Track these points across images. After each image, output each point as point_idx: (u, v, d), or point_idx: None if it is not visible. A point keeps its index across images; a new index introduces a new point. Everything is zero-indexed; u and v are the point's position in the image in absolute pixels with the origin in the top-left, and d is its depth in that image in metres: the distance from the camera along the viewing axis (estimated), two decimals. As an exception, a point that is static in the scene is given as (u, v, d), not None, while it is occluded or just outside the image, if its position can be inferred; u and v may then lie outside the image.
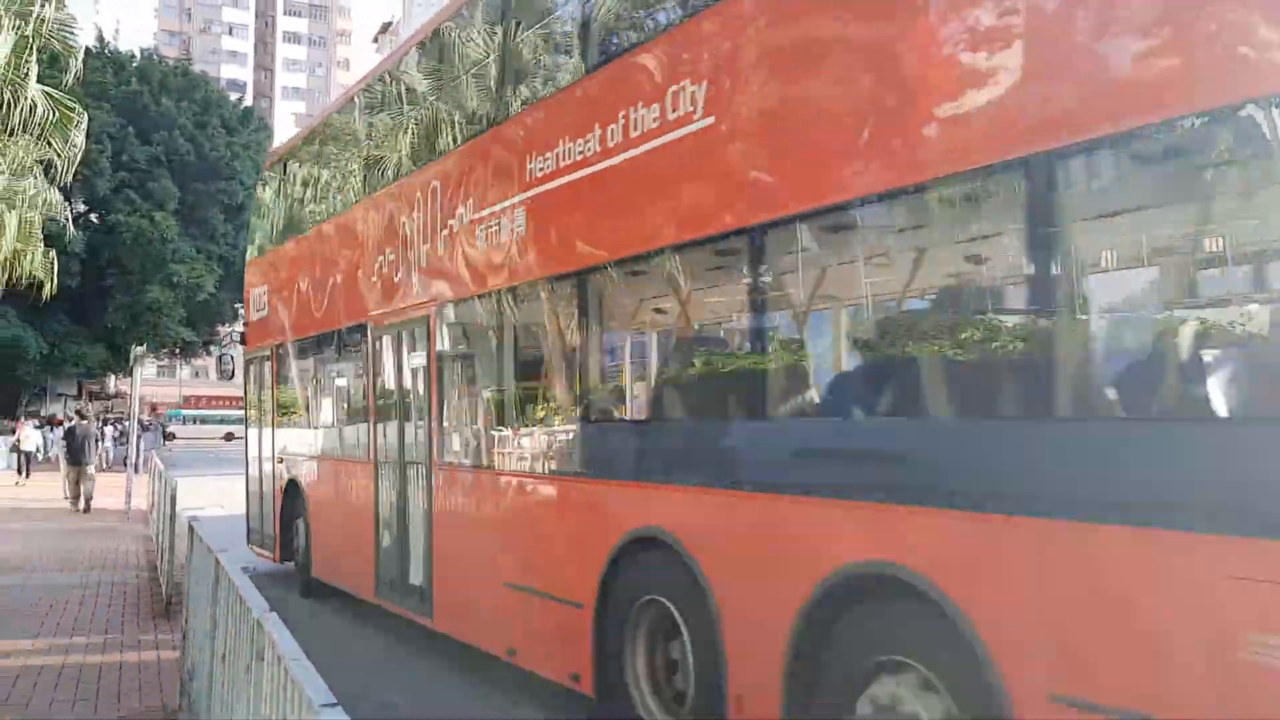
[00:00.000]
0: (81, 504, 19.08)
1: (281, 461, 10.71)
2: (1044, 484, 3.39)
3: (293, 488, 10.30)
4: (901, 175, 3.63)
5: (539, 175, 5.90)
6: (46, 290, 20.61)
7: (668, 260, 5.04)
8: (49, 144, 16.49)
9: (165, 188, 36.85)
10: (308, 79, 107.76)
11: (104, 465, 29.36)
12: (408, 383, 7.85)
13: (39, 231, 19.98)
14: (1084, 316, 3.39)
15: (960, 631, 3.56)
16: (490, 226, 6.52)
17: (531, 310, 6.24)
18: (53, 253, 20.96)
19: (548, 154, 5.85)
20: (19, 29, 14.77)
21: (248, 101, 50.54)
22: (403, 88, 8.18)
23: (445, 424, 7.24)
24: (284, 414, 10.76)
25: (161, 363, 59.44)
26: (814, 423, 4.17)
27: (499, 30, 6.36)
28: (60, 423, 34.99)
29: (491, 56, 6.49)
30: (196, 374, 70.82)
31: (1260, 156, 2.90)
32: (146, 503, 15.59)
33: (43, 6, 15.04)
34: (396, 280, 7.98)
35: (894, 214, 3.92)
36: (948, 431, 3.69)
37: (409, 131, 7.94)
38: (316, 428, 9.90)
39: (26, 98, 15.00)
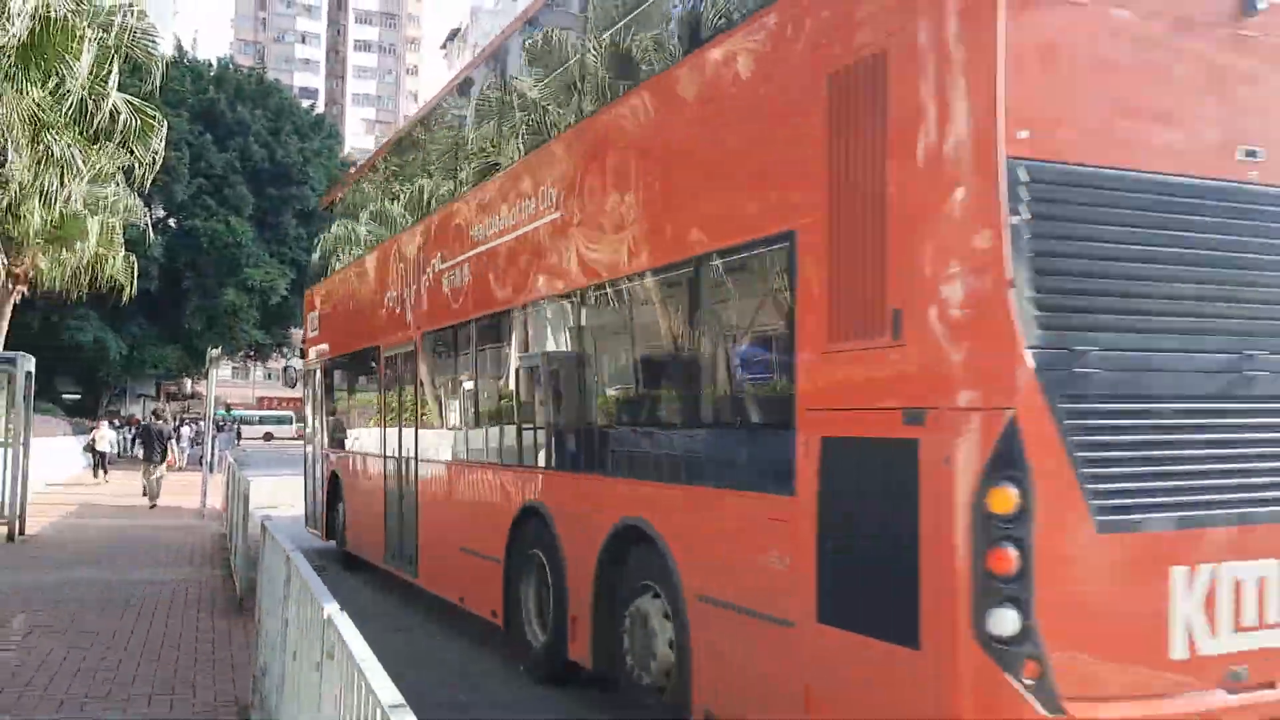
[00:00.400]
0: (150, 500, 19.50)
1: (327, 457, 13.24)
2: (689, 467, 5.47)
3: (334, 479, 12.72)
4: (639, 264, 5.89)
5: (474, 240, 8.35)
6: (127, 293, 20.81)
7: (537, 309, 7.41)
8: (130, 151, 16.79)
9: (240, 193, 37.04)
10: (377, 85, 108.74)
11: (181, 464, 29.42)
12: (403, 394, 10.12)
13: (120, 236, 20.12)
14: (692, 374, 5.53)
15: (667, 561, 5.43)
16: (449, 276, 8.83)
17: (469, 342, 8.57)
18: (133, 257, 21.13)
19: (477, 226, 8.33)
20: (101, 39, 14.93)
21: (319, 108, 51.20)
22: (387, 170, 11.38)
23: (420, 427, 9.65)
24: (329, 417, 13.24)
25: (235, 364, 59.87)
26: (602, 430, 6.36)
27: (453, 149, 9.34)
28: (138, 422, 35.61)
29: (443, 161, 9.55)
30: (269, 375, 71.29)
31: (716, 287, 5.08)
32: (221, 501, 15.88)
33: (125, 17, 15.24)
34: (396, 313, 10.26)
35: (636, 289, 6.09)
36: (656, 435, 5.79)
37: (398, 200, 10.85)
38: (349, 429, 12.41)
39: (108, 106, 15.19)
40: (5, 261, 18.97)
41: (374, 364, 11.07)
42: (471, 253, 8.42)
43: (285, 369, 16.36)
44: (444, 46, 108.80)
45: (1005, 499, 3.35)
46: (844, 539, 3.85)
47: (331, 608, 3.75)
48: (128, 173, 17.86)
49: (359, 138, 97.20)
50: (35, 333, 29.85)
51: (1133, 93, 3.63)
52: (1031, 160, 3.38)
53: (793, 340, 4.31)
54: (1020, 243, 3.26)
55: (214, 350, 19.23)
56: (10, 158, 15.45)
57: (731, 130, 4.93)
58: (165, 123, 16.73)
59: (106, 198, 19.20)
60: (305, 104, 42.34)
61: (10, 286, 19.85)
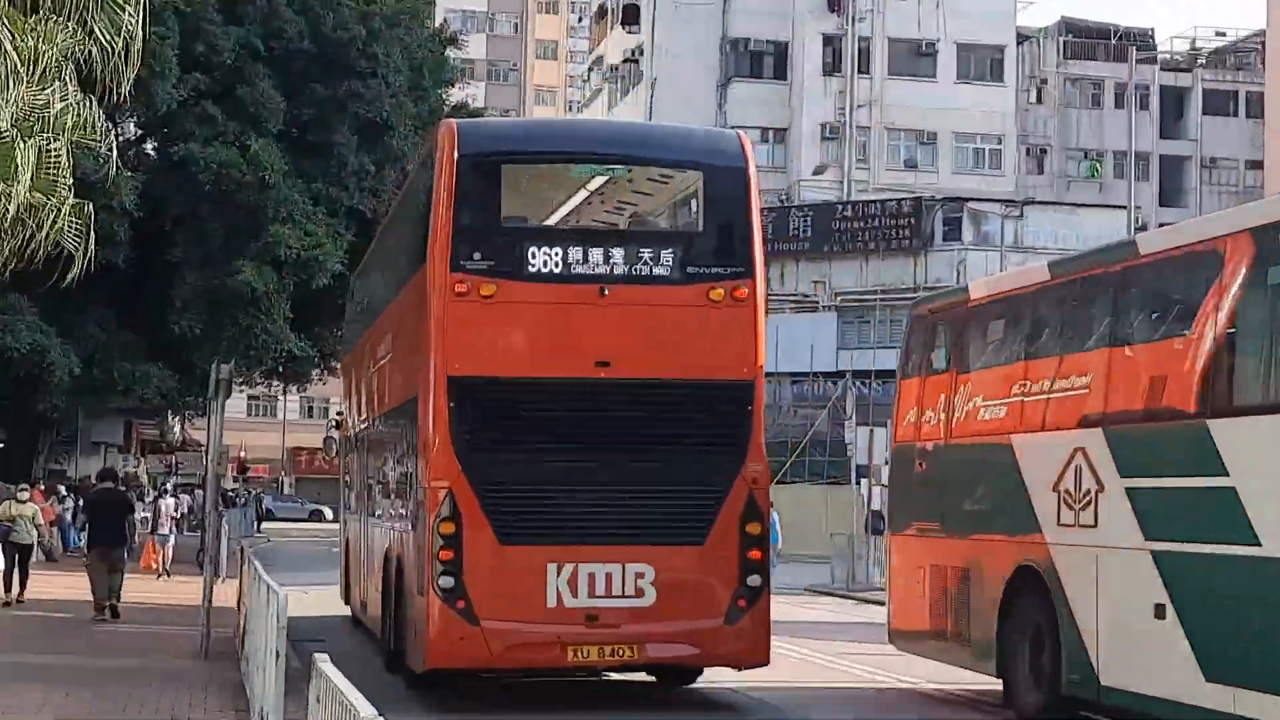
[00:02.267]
0: (107, 613, 20.85)
1: (345, 523, 23.86)
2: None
3: (346, 543, 22.90)
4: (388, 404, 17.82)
5: (374, 359, 19.44)
6: (77, 268, 20.38)
7: (378, 423, 19.08)
8: (89, 30, 17.28)
9: (264, 95, 34.77)
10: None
11: (164, 565, 29.79)
12: (367, 468, 20.51)
13: (67, 173, 19.76)
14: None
15: None
16: (375, 374, 19.44)
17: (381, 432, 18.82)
18: (89, 207, 20.78)
19: (370, 356, 19.85)
20: None
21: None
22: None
23: (359, 493, 21.12)
24: (347, 486, 23.57)
25: (257, 391, 59.27)
26: None
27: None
28: (88, 487, 34.01)
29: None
30: (311, 411, 69.60)
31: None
32: (237, 625, 17.21)
33: None
34: (364, 398, 20.93)
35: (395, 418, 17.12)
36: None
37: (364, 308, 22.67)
38: (351, 497, 22.88)
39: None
40: None
41: (356, 441, 22.02)
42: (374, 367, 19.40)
43: (326, 439, 25.74)
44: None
45: (447, 526, 13.48)
46: None
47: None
48: (84, 72, 18.76)
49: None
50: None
51: (525, 336, 14.16)
52: (460, 376, 13.78)
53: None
54: (454, 413, 13.83)
55: (222, 367, 19.08)
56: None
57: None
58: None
59: (48, 107, 19.03)
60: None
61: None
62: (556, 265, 13.86)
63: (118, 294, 34.13)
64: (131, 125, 35.11)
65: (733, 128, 59.12)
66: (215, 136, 33.89)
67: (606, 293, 13.78)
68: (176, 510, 34.38)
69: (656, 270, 14.00)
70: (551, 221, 15.50)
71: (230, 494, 62.70)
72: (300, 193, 34.73)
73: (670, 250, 14.12)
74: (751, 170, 14.33)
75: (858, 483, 35.89)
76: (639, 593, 13.54)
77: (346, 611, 22.02)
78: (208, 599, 18.23)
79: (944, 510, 14.92)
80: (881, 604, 30.00)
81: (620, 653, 13.68)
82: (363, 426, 20.67)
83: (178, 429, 55.93)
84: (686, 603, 13.68)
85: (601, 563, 13.48)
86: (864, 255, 54.75)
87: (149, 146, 36.56)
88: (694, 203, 15.01)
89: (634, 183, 15.57)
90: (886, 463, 35.85)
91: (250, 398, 76.27)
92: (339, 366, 34.33)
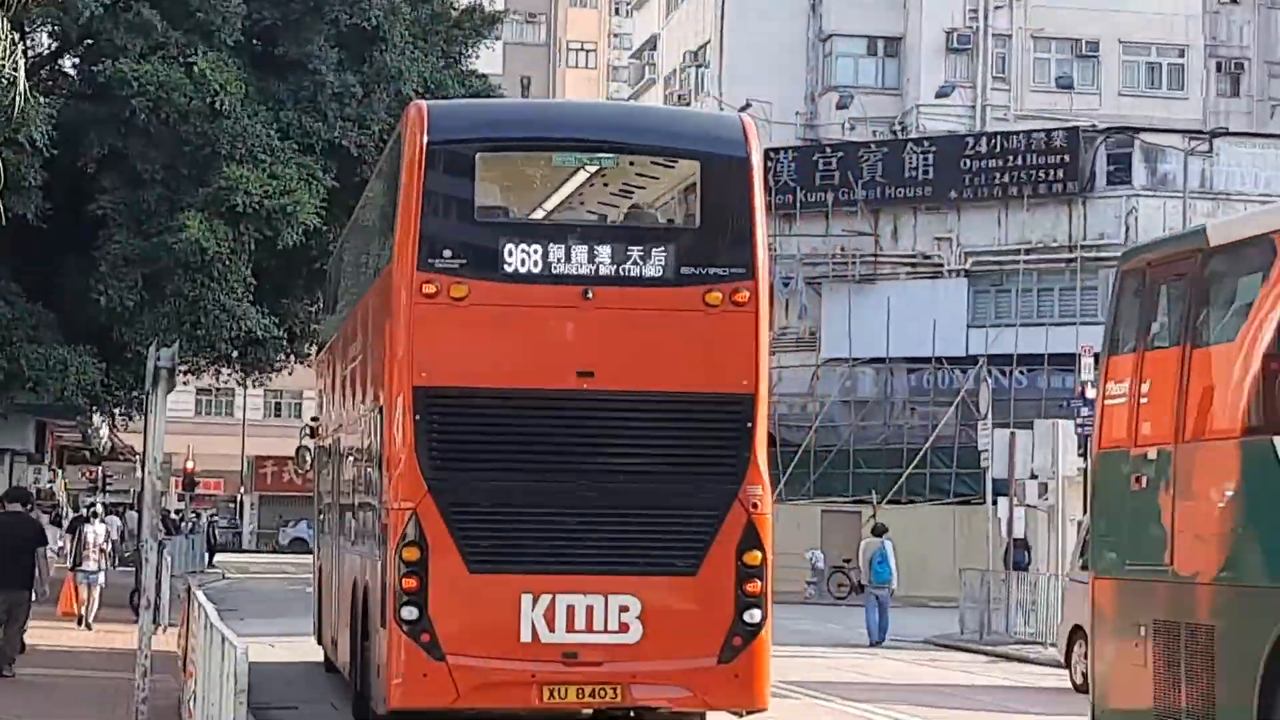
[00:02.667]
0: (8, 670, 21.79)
1: (318, 550, 26.89)
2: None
3: (320, 573, 25.64)
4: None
5: (345, 358, 22.36)
6: None
7: (348, 433, 21.64)
8: None
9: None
10: None
11: (88, 611, 30.58)
12: (338, 485, 22.60)
13: None
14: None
15: None
16: (347, 377, 22.25)
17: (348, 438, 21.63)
18: None
19: (343, 355, 22.62)
20: None
21: None
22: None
23: (332, 515, 23.48)
24: (321, 507, 26.27)
25: (206, 382, 59.71)
26: None
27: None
28: None
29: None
30: (279, 409, 70.28)
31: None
32: (182, 688, 18.03)
33: None
34: (337, 403, 23.32)
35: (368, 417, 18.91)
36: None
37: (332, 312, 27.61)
38: (324, 519, 25.33)
39: None
40: None
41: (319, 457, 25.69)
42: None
43: (299, 450, 26.75)
44: None
45: (411, 552, 15.36)
46: None
47: None
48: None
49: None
50: None
51: (499, 343, 16.05)
52: (427, 386, 15.92)
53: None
54: (420, 427, 15.98)
55: (163, 352, 19.39)
56: None
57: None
58: None
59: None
60: None
61: None
62: (536, 264, 15.55)
63: (26, 256, 34.63)
64: (44, 37, 35.40)
65: (829, 36, 59.80)
66: (152, 50, 33.98)
67: (591, 295, 15.43)
68: (106, 539, 34.17)
69: (647, 270, 15.64)
70: (532, 216, 17.49)
71: (174, 517, 63.49)
72: (264, 123, 34.90)
73: (662, 248, 15.77)
74: (755, 159, 15.96)
75: (994, 502, 35.74)
76: (623, 628, 15.17)
77: (321, 657, 23.89)
78: (145, 654, 18.12)
79: (1176, 543, 13.72)
80: (1028, 661, 30.18)
81: (602, 694, 15.29)
82: (335, 436, 22.63)
83: (105, 432, 56.42)
84: (676, 640, 15.25)
85: (582, 594, 15.12)
86: (1003, 204, 54.76)
87: (67, 64, 36.90)
88: (690, 195, 16.68)
89: (625, 174, 17.39)
90: (1043, 478, 35.92)
91: (200, 392, 77.02)
92: (314, 355, 34.64)
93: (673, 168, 17.06)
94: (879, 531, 33.20)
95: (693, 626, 15.34)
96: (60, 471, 63.44)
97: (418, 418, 15.46)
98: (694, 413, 15.75)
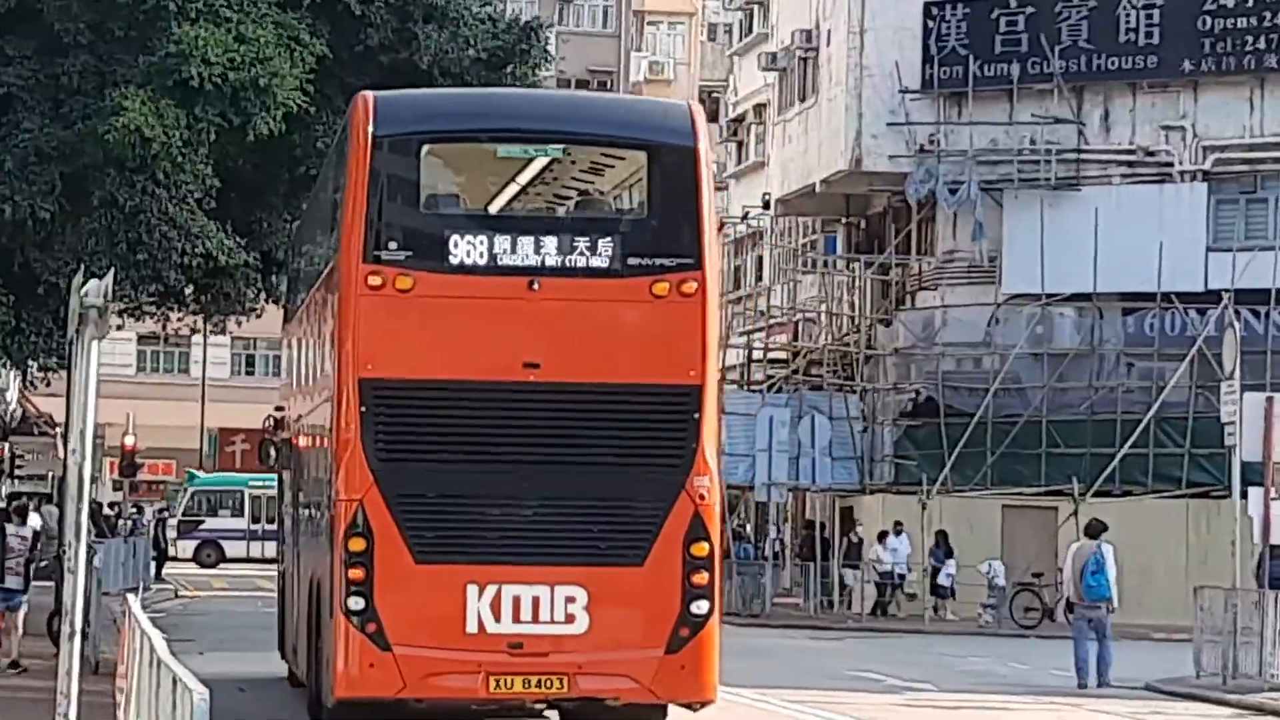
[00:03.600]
0: None
1: (281, 554, 33.25)
2: None
3: (282, 578, 32.30)
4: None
5: (301, 349, 30.21)
6: None
7: (302, 425, 28.74)
8: None
9: None
10: None
11: (14, 646, 31.38)
12: (296, 480, 29.86)
13: None
14: None
15: None
16: (300, 364, 30.23)
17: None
18: None
19: (299, 341, 30.59)
20: None
21: None
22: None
23: (291, 512, 31.21)
24: (282, 505, 33.78)
25: (150, 326, 60.86)
26: None
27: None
28: None
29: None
30: (250, 364, 71.81)
31: None
32: None
33: None
34: (294, 391, 30.33)
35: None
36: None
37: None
38: (286, 517, 32.58)
39: None
40: None
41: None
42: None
43: (263, 445, 32.88)
44: None
45: (357, 543, 20.57)
46: None
47: None
48: None
49: None
50: None
51: (446, 335, 21.35)
52: (374, 378, 21.49)
53: None
54: (366, 419, 21.52)
55: (91, 284, 18.74)
56: None
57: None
58: None
59: None
60: None
61: None
62: (481, 256, 20.57)
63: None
64: None
65: None
66: None
67: (537, 286, 20.39)
68: (33, 545, 33.71)
69: (593, 261, 20.59)
70: (478, 207, 22.71)
71: (109, 512, 63.78)
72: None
73: (609, 239, 20.71)
74: (702, 147, 20.89)
75: (1244, 495, 35.22)
76: (570, 618, 20.15)
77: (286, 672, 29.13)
78: (68, 700, 17.74)
79: None
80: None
81: (548, 684, 20.31)
82: (295, 429, 28.70)
83: (13, 396, 56.94)
84: (623, 630, 20.32)
85: (528, 584, 20.16)
86: (1257, 79, 54.50)
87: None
88: (637, 186, 21.89)
89: (571, 164, 22.98)
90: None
91: (143, 340, 77.73)
92: (283, 319, 35.96)
93: (620, 158, 22.31)
94: (1094, 531, 32.90)
95: (639, 617, 20.40)
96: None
97: (364, 409, 20.44)
98: (641, 404, 20.74)
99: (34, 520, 34.06)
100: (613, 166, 22.87)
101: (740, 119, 78.79)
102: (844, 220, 63.91)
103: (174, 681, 12.36)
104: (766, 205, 68.59)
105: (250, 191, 39.70)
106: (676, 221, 20.82)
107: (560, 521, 20.66)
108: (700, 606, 20.05)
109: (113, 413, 59.56)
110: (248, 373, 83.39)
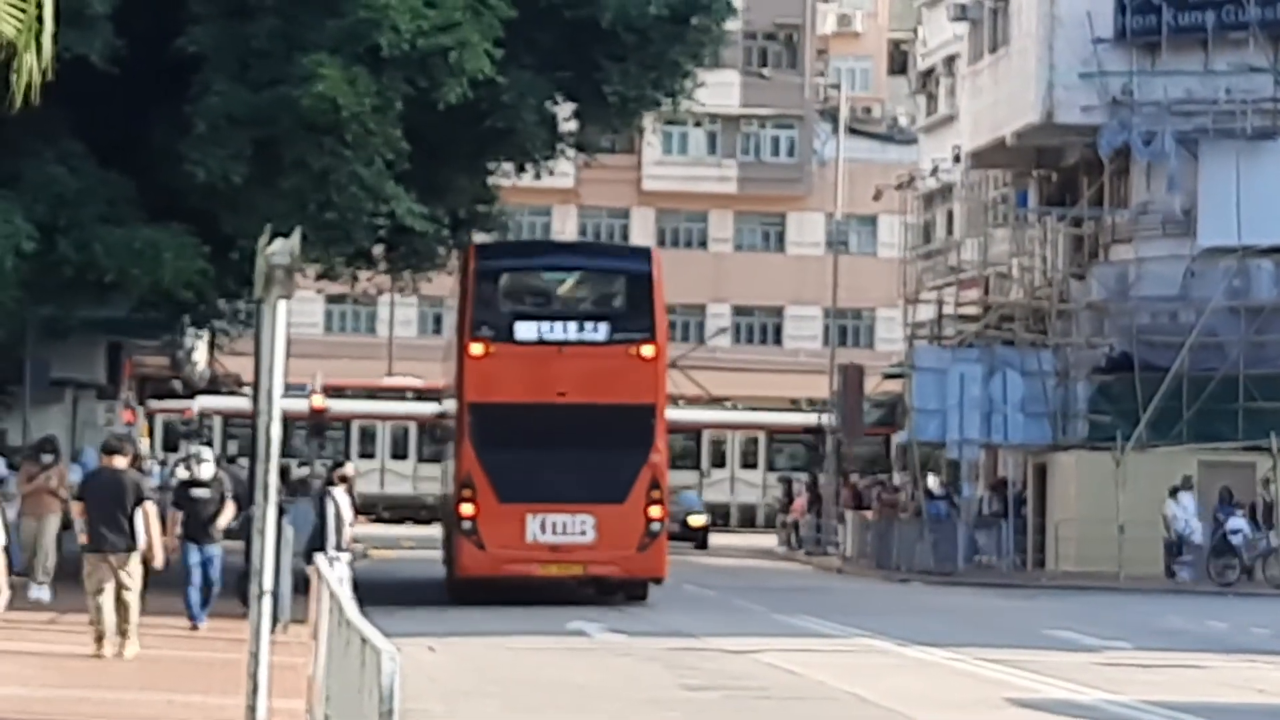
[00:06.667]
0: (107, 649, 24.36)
1: (443, 503, 60.32)
2: None
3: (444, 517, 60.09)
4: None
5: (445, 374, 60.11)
6: (20, 66, 21.42)
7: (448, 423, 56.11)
8: None
9: None
10: None
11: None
12: (444, 453, 61.85)
13: None
14: None
15: None
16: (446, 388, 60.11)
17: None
18: None
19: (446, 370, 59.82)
20: None
21: None
22: None
23: (443, 473, 62.39)
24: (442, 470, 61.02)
25: (337, 289, 61.64)
26: None
27: None
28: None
29: None
30: (437, 323, 73.18)
31: None
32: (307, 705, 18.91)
33: None
34: (446, 400, 59.33)
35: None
36: None
37: None
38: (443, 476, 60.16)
39: None
40: None
41: None
42: None
43: (430, 428, 73.00)
44: None
45: (467, 492, 45.16)
46: None
47: None
48: None
49: None
50: None
51: (514, 377, 45.67)
52: (476, 402, 47.08)
53: None
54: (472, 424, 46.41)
55: (278, 244, 18.55)
56: None
57: None
58: None
59: None
60: None
61: None
62: (532, 334, 39.86)
63: (94, 110, 35.68)
64: None
65: None
66: None
67: (564, 351, 39.71)
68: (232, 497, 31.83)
69: (595, 336, 40.19)
70: (531, 307, 42.24)
71: (299, 471, 63.56)
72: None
73: (604, 322, 40.78)
74: (656, 273, 41.47)
75: None
76: (583, 533, 39.24)
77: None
78: (257, 658, 17.75)
79: None
80: None
81: (571, 569, 40.03)
82: (444, 424, 50.41)
83: (202, 356, 57.53)
84: (614, 539, 39.07)
85: (560, 514, 39.36)
86: None
87: None
88: (618, 293, 42.85)
89: (585, 283, 44.49)
90: None
91: (331, 301, 77.94)
92: (446, 342, 54.29)
93: (610, 278, 43.42)
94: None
95: (623, 532, 38.98)
96: (138, 411, 64.45)
97: (471, 419, 39.71)
98: (623, 414, 39.13)
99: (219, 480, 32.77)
100: (607, 283, 43.79)
101: (929, 71, 78.51)
102: (1035, 173, 63.41)
103: (362, 641, 12.34)
104: (957, 159, 68.50)
105: (436, 152, 39.78)
106: (642, 313, 40.51)
107: (579, 479, 39.27)
108: (655, 526, 39.52)
109: (300, 372, 59.13)
110: (435, 332, 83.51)
